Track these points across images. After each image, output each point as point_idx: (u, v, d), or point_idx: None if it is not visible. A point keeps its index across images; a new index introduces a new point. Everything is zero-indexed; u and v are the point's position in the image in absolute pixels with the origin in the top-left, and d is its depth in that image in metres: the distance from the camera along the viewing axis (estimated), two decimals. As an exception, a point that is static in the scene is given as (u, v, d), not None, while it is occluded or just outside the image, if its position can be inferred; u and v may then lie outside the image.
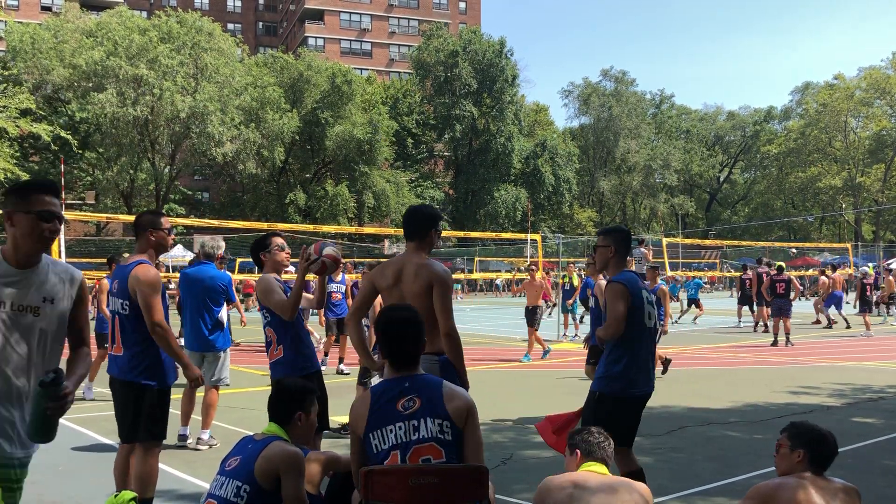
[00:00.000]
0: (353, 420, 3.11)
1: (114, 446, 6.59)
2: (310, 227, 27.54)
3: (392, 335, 3.13)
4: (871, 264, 28.00)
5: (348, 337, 10.27)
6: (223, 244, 7.36)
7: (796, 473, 3.15)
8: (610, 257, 4.59)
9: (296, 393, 3.45)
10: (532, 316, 13.20)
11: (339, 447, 6.35)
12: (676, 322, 21.37)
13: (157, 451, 4.45)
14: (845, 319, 19.34)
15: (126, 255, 5.23)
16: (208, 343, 6.74)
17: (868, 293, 18.53)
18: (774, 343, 15.15)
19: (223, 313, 6.99)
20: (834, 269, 21.28)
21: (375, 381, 4.81)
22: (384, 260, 7.16)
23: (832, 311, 20.00)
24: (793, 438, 3.25)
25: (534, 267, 14.53)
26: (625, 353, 4.36)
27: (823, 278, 20.84)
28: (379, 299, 4.93)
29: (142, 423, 4.34)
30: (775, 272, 16.01)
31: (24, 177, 38.26)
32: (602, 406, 4.36)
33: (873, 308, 18.61)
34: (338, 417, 6.41)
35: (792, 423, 3.38)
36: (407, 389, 3.06)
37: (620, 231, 4.74)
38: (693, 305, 22.22)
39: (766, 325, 18.17)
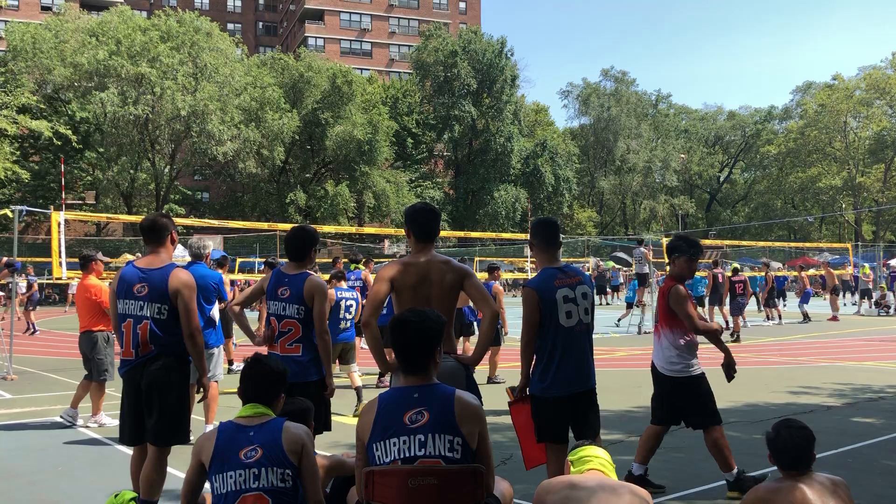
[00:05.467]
0: (360, 428, 3.04)
1: (114, 446, 6.59)
2: (310, 227, 27.49)
3: (403, 339, 3.03)
4: (866, 264, 28.11)
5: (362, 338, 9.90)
6: (210, 243, 7.55)
7: (786, 475, 3.14)
8: (533, 252, 4.52)
9: (280, 375, 3.37)
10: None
11: (340, 448, 6.35)
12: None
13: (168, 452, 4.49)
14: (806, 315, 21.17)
15: (131, 256, 5.20)
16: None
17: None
18: (736, 339, 16.07)
19: (215, 311, 7.20)
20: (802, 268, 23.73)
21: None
22: (386, 260, 7.18)
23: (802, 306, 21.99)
24: (767, 442, 3.25)
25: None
26: (542, 357, 4.31)
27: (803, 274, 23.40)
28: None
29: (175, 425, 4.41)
30: (731, 274, 17.59)
31: (25, 176, 38.21)
32: (533, 407, 4.41)
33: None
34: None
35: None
36: (416, 401, 2.96)
37: (535, 223, 4.50)
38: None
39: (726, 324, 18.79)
